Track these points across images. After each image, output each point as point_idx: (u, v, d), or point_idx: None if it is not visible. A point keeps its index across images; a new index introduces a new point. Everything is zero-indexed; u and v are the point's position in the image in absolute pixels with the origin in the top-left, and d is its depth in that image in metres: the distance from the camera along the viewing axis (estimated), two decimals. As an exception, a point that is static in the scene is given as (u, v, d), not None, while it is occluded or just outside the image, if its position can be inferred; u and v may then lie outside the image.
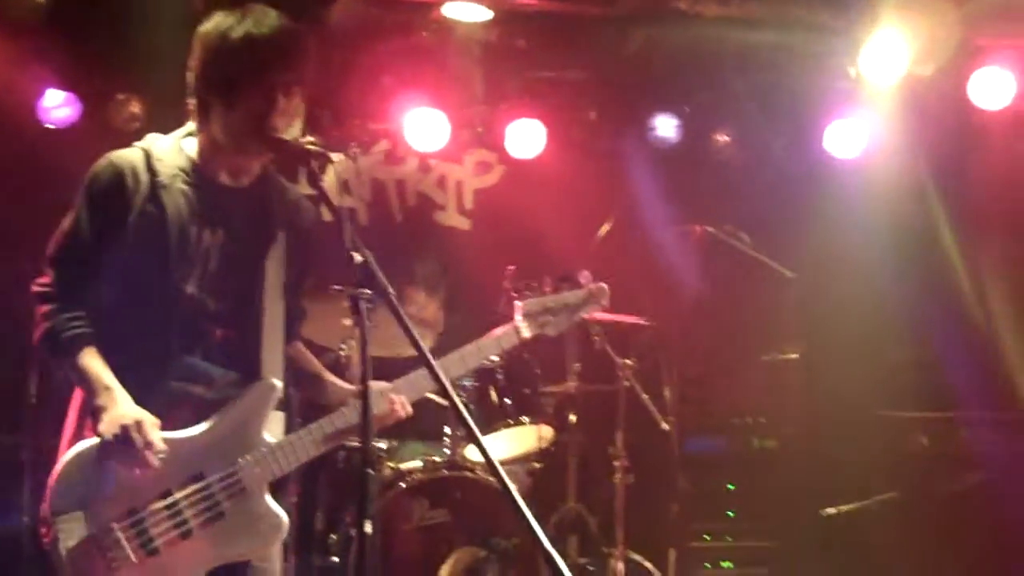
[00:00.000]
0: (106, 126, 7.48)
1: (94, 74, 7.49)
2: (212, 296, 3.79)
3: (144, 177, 3.76)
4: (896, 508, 7.52)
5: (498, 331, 4.25)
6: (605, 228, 7.55)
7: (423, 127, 7.97)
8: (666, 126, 8.24)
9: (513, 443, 6.93)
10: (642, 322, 7.28)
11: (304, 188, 4.09)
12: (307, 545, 6.46)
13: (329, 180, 3.70)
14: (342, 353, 6.43)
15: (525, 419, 6.92)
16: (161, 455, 3.61)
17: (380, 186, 8.65)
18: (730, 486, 7.86)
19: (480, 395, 6.82)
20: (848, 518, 7.63)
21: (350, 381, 4.25)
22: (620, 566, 7.01)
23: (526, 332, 4.27)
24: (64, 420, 3.81)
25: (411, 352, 3.41)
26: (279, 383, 3.84)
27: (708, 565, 7.74)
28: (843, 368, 7.98)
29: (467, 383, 6.67)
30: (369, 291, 3.39)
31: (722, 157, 8.43)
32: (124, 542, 3.60)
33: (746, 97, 8.16)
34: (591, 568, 7.23)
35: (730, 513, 7.84)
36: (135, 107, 7.54)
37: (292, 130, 3.81)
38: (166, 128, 3.96)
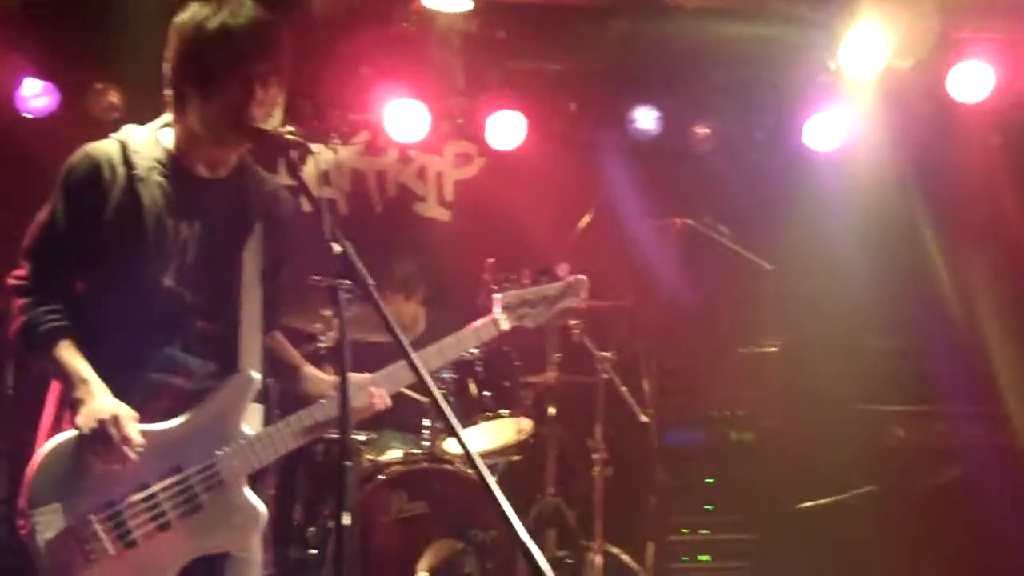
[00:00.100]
0: (85, 116, 7.45)
1: (72, 63, 7.45)
2: (189, 289, 3.78)
3: (121, 169, 3.75)
4: (874, 502, 7.55)
5: (477, 323, 4.25)
6: (585, 220, 7.55)
7: (403, 118, 7.96)
8: (646, 118, 8.24)
9: (492, 435, 6.93)
10: (621, 304, 7.29)
11: (283, 178, 4.07)
12: (285, 537, 6.45)
13: (309, 171, 3.68)
14: (321, 344, 6.43)
15: (504, 411, 6.92)
16: (139, 449, 3.61)
17: (360, 177, 8.64)
18: (709, 479, 7.86)
19: (459, 387, 6.80)
20: (826, 511, 7.65)
21: (328, 372, 4.24)
22: (598, 559, 7.02)
23: (505, 324, 4.27)
24: (41, 412, 3.80)
25: (388, 337, 3.40)
26: (257, 375, 3.83)
27: (686, 558, 7.74)
28: (822, 361, 8.00)
29: (446, 375, 6.66)
30: (348, 282, 3.39)
31: (702, 150, 8.43)
32: (102, 534, 3.60)
33: (726, 90, 8.18)
34: (569, 561, 7.23)
35: (708, 506, 7.84)
36: (114, 97, 7.51)
37: (272, 120, 3.80)
38: (145, 118, 3.94)
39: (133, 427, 3.60)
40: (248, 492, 3.79)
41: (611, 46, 7.79)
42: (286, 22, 3.88)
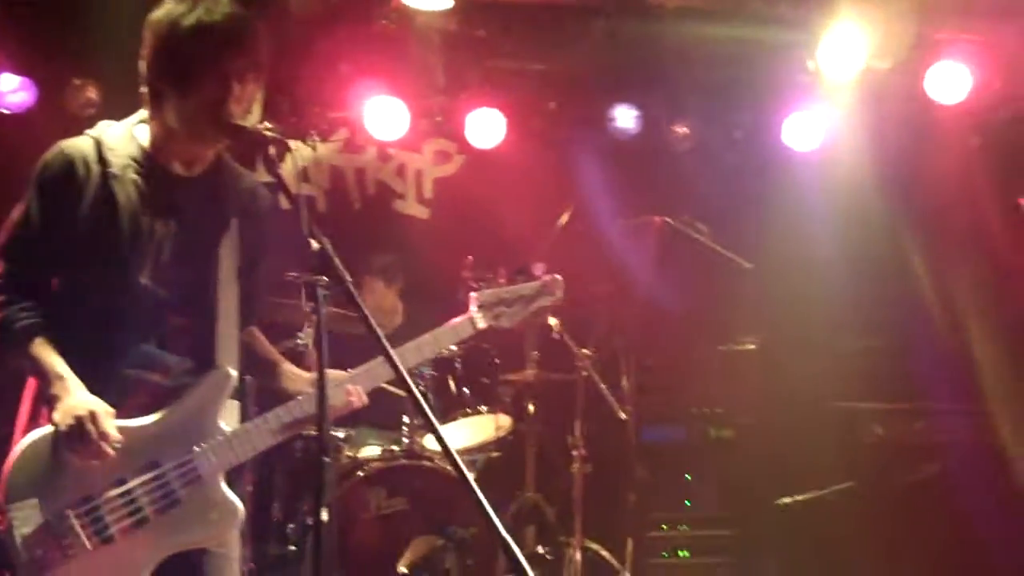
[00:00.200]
0: (62, 111, 7.44)
1: (50, 59, 7.43)
2: (165, 286, 3.77)
3: (95, 167, 3.74)
4: (853, 498, 7.58)
5: (454, 321, 4.25)
6: (564, 218, 7.55)
7: (383, 116, 7.96)
8: (625, 117, 8.26)
9: (471, 432, 6.94)
10: (600, 301, 7.31)
11: (261, 175, 4.07)
12: (265, 534, 6.44)
13: (287, 167, 3.67)
14: (299, 341, 6.42)
15: (483, 408, 6.93)
16: (116, 445, 3.60)
17: (339, 174, 8.64)
18: (687, 476, 7.88)
19: (439, 384, 6.82)
20: (805, 508, 7.68)
21: (307, 368, 4.24)
22: (577, 555, 7.02)
23: (481, 323, 4.27)
24: (17, 408, 3.79)
25: (362, 330, 3.40)
26: (234, 372, 3.83)
27: (665, 554, 7.76)
28: (800, 359, 8.03)
29: (426, 372, 6.67)
30: (326, 279, 3.39)
31: (681, 149, 8.45)
32: (79, 529, 3.59)
33: (705, 89, 8.19)
34: (549, 557, 7.22)
35: (687, 502, 7.86)
36: (91, 92, 7.50)
37: (251, 117, 3.80)
38: (123, 114, 3.92)
39: (110, 423, 3.60)
40: (225, 488, 3.78)
41: (591, 45, 7.80)
42: (262, 18, 3.87)
